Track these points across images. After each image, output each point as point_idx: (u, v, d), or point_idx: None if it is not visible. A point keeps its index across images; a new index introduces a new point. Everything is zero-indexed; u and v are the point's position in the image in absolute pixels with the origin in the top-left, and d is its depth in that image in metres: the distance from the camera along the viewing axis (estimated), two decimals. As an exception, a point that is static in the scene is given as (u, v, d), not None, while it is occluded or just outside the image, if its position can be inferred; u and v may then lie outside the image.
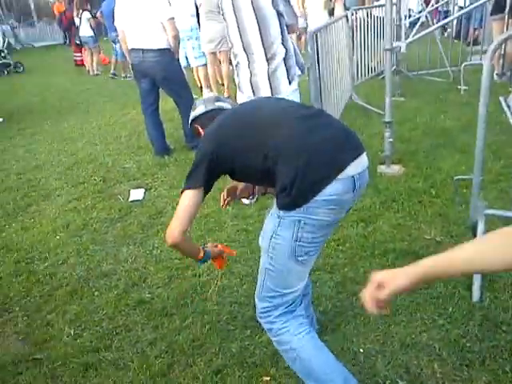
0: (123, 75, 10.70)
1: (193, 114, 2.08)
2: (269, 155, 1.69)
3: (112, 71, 10.93)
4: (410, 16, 9.29)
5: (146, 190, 4.35)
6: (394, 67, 7.35)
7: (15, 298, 2.92)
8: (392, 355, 2.22)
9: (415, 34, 4.83)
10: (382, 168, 4.29)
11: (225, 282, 2.87)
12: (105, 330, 2.56)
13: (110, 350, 2.41)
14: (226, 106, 2.05)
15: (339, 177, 1.64)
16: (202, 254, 1.96)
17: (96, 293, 2.89)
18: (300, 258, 1.75)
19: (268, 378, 2.13)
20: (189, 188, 1.80)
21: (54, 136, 6.53)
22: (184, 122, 5.32)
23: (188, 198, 1.80)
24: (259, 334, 2.37)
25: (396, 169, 4.26)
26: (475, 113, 5.33)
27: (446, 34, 11.25)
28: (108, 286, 2.94)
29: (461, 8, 10.50)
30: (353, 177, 1.68)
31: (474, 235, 2.79)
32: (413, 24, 7.95)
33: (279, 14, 3.27)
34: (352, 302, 2.59)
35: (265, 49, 3.30)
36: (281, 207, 1.70)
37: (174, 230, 1.77)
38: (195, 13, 7.18)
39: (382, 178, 4.10)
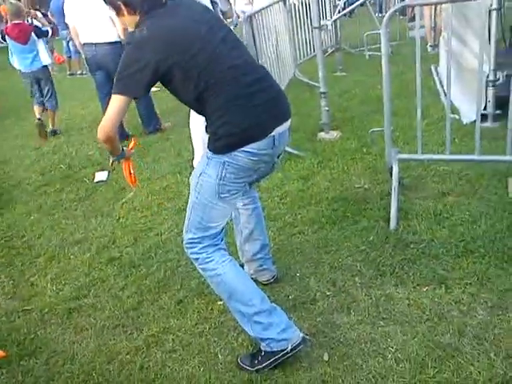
0: (79, 72, 10.93)
1: None
2: (209, 89, 1.95)
3: (69, 71, 11.12)
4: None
5: (109, 171, 4.73)
6: (337, 45, 7.88)
7: (-1, 268, 3.31)
8: (322, 275, 2.72)
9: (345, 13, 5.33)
10: (321, 135, 4.78)
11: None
12: (82, 284, 2.98)
13: (89, 297, 2.84)
14: None
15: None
16: (120, 151, 2.26)
17: (72, 256, 3.31)
18: (223, 195, 2.06)
19: (221, 302, 2.58)
20: (125, 94, 1.95)
21: (17, 133, 6.79)
22: (139, 110, 5.71)
23: (123, 102, 1.96)
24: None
25: (334, 134, 4.76)
26: (408, 82, 5.90)
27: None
28: (82, 250, 3.36)
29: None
30: (273, 136, 2.04)
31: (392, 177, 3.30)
32: (350, 4, 8.44)
33: (213, 2, 3.69)
34: (291, 241, 3.08)
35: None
36: (210, 150, 2.05)
37: (110, 127, 1.99)
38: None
39: (321, 142, 4.60)
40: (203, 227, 2.14)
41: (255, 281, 2.64)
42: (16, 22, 5.86)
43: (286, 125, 2.14)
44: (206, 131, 2.08)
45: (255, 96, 2.04)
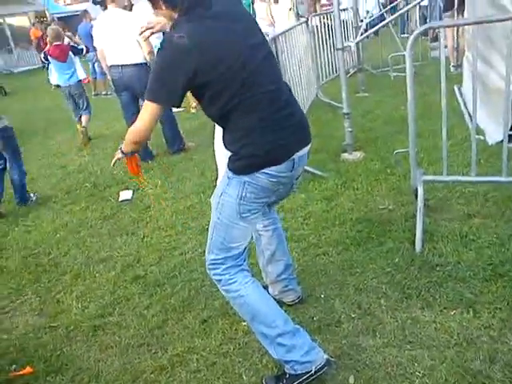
0: (104, 93, 11.15)
1: None
2: (238, 107, 1.93)
3: (94, 92, 11.36)
4: (371, 17, 9.87)
5: (133, 190, 4.79)
6: (360, 66, 7.91)
7: (27, 284, 3.36)
8: (347, 297, 2.70)
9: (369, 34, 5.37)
10: (344, 155, 4.78)
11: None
12: (107, 302, 3.01)
13: (113, 315, 2.87)
14: None
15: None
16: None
17: (97, 275, 3.35)
18: (244, 215, 2.07)
19: (245, 323, 2.57)
20: (159, 102, 1.95)
21: (44, 152, 6.94)
22: (164, 130, 5.80)
23: (157, 110, 1.96)
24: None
25: (357, 155, 4.76)
26: (431, 102, 5.89)
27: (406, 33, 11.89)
28: (107, 269, 3.40)
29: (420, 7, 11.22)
30: (293, 159, 2.05)
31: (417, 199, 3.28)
32: (372, 25, 8.48)
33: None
34: (315, 262, 3.07)
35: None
36: (230, 169, 2.04)
37: (145, 132, 2.02)
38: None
39: (345, 163, 4.60)
40: (225, 248, 2.14)
41: (279, 302, 2.64)
42: (57, 43, 6.83)
43: (306, 149, 2.15)
44: (226, 148, 2.07)
45: (286, 119, 2.05)
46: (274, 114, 2.01)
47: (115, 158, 2.33)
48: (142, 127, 2.02)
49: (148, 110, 1.97)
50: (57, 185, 5.39)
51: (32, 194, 4.95)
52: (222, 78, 1.91)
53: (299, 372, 2.12)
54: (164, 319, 2.75)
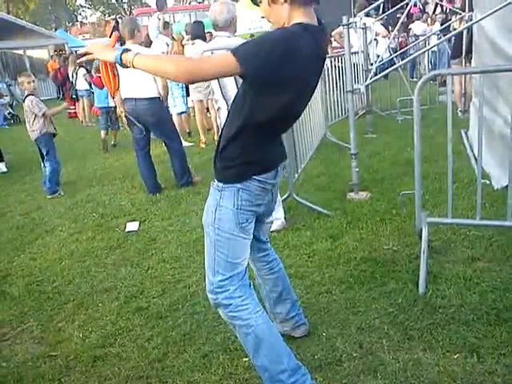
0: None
1: None
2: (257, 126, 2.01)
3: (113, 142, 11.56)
4: (381, 61, 10.09)
5: (140, 222, 4.83)
6: (368, 108, 8.04)
7: (29, 312, 3.36)
8: (349, 336, 2.68)
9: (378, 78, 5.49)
10: (350, 195, 4.82)
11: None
12: (109, 332, 3.00)
13: (114, 346, 2.85)
14: None
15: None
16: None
17: (100, 304, 3.34)
18: (243, 224, 2.09)
19: (247, 359, 2.56)
20: (240, 63, 1.78)
21: (54, 181, 7.02)
22: (174, 163, 5.87)
23: (229, 67, 1.80)
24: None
25: (363, 195, 4.79)
26: (437, 145, 5.94)
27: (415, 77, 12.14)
28: (110, 299, 3.40)
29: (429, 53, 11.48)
30: (277, 169, 2.20)
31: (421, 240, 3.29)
32: (381, 69, 8.67)
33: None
34: (318, 300, 3.06)
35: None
36: (221, 180, 2.09)
37: (198, 74, 1.85)
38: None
39: (350, 202, 4.63)
40: (231, 265, 2.12)
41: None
42: (98, 74, 8.51)
43: (284, 162, 2.32)
44: (221, 152, 2.10)
45: (278, 139, 2.24)
46: (275, 137, 2.20)
47: (98, 55, 2.12)
48: (201, 69, 1.84)
49: (222, 59, 1.85)
50: (64, 214, 5.45)
51: (60, 189, 6.24)
52: (278, 100, 1.95)
53: (298, 410, 2.10)
54: (165, 352, 2.73)
